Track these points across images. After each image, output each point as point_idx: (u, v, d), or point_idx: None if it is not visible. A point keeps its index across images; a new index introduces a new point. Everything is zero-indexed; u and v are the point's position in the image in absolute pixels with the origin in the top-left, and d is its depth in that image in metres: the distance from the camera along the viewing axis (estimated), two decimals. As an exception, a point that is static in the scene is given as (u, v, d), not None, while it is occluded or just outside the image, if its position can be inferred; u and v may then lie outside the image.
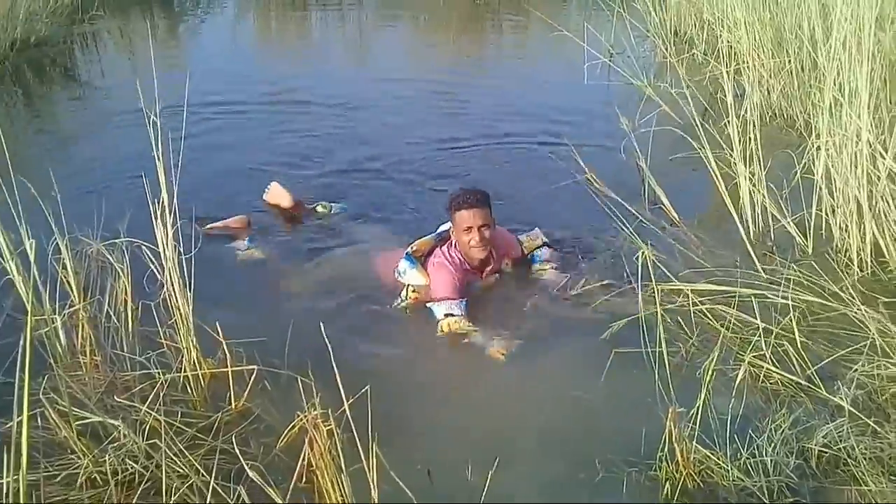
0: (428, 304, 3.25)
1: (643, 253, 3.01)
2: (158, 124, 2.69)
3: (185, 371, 2.65)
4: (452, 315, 3.15)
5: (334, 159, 4.94)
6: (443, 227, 3.49)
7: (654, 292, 2.86)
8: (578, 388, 2.80)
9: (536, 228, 3.67)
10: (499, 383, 2.91)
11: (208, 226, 3.92)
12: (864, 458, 2.32)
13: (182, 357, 2.69)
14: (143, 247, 2.91)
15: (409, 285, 3.33)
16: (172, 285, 2.70)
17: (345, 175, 4.69)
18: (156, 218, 2.73)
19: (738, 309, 3.08)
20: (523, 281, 3.50)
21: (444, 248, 3.39)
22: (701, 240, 3.74)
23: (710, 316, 3.10)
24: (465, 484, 2.36)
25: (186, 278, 2.73)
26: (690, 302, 3.12)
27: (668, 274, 3.29)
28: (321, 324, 2.28)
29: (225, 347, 2.64)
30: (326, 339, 2.23)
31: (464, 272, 3.34)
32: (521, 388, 2.88)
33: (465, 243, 3.29)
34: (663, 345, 2.80)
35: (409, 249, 3.39)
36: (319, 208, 4.14)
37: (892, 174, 3.41)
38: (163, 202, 2.71)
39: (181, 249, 2.78)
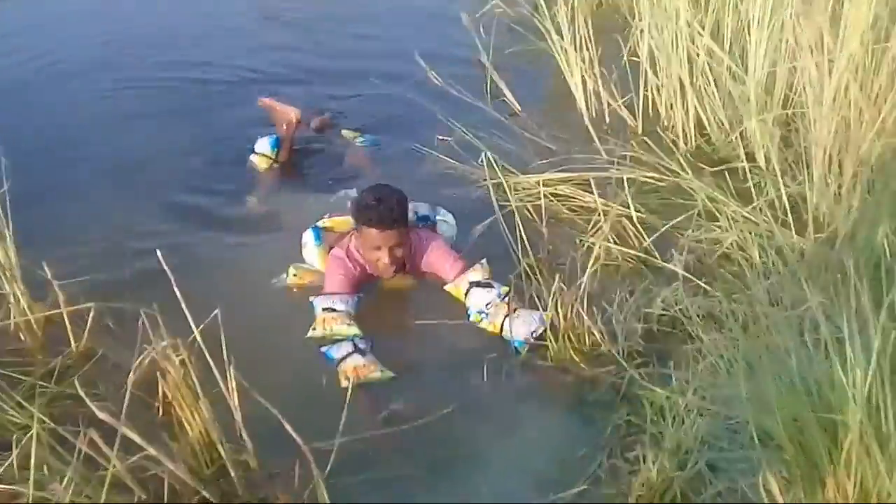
0: (311, 298, 2.75)
1: (485, 154, 3.12)
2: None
3: (13, 318, 2.45)
4: (333, 311, 2.67)
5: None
6: None
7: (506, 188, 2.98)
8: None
9: (483, 261, 2.85)
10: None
11: (264, 98, 3.74)
12: (698, 317, 2.50)
13: (9, 304, 2.48)
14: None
15: (290, 267, 2.88)
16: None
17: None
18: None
19: (582, 189, 3.22)
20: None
21: (352, 241, 2.86)
22: (543, 127, 3.81)
23: (556, 202, 3.21)
24: (324, 395, 2.37)
25: (3, 218, 2.50)
26: (542, 191, 3.19)
27: (512, 169, 3.33)
28: (158, 251, 2.15)
29: (56, 288, 2.46)
30: (166, 267, 2.12)
31: (365, 275, 2.86)
32: (381, 307, 2.86)
33: (371, 260, 2.78)
34: (523, 238, 2.87)
35: (320, 223, 2.99)
36: (344, 131, 3.84)
37: (710, 51, 3.57)
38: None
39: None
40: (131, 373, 2.27)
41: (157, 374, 2.17)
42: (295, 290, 2.86)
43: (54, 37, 5.24)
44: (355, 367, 2.46)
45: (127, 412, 2.11)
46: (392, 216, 2.69)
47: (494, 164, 3.09)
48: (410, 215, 2.90)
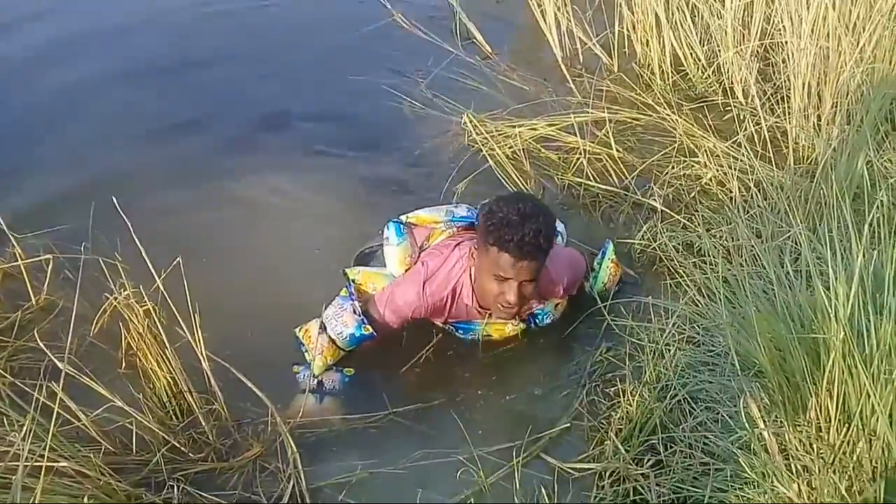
0: (341, 294, 2.28)
1: (466, 115, 3.14)
2: None
3: (-31, 273, 2.36)
4: (324, 330, 2.19)
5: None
6: (462, 212, 2.38)
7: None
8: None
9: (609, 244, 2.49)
10: (316, 240, 2.77)
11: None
12: (677, 251, 2.45)
13: (-38, 260, 2.39)
14: None
15: (346, 271, 2.36)
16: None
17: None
18: None
19: (561, 130, 3.15)
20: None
21: (452, 259, 2.24)
22: (516, 69, 3.71)
23: (534, 143, 3.14)
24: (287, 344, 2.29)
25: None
26: (520, 136, 3.12)
27: (487, 122, 3.23)
28: (114, 199, 2.07)
29: (13, 241, 2.37)
30: (123, 214, 2.04)
31: (449, 310, 2.27)
32: (340, 245, 2.72)
33: (488, 292, 2.12)
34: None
35: (404, 216, 2.37)
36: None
37: (687, -18, 3.48)
38: None
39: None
40: (93, 323, 2.24)
41: (121, 324, 2.10)
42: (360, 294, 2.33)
43: None
44: (298, 410, 2.12)
45: (91, 364, 2.07)
46: (537, 243, 2.01)
47: (473, 121, 3.11)
48: None
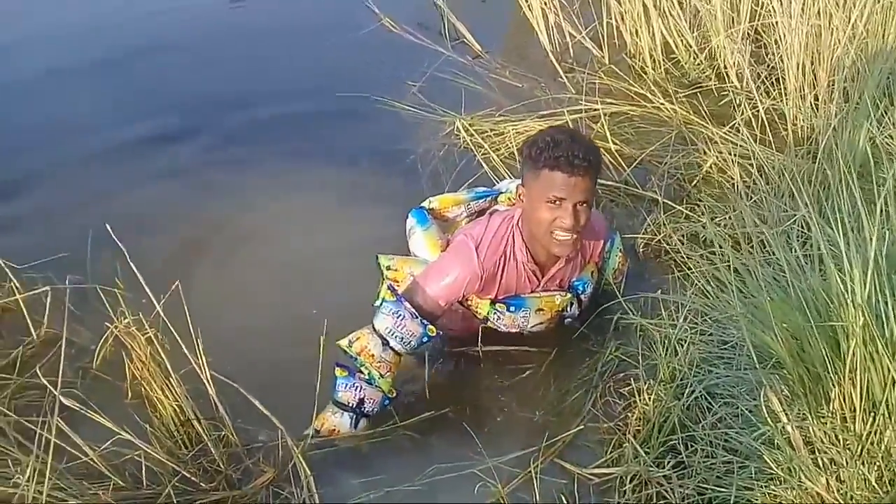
0: (384, 297, 2.21)
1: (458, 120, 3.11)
2: None
3: (-34, 312, 2.32)
4: (387, 345, 2.08)
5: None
6: (482, 190, 2.50)
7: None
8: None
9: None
10: (314, 251, 2.72)
11: None
12: (682, 243, 2.42)
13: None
14: None
15: (379, 257, 2.31)
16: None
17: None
18: None
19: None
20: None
21: (496, 219, 2.18)
22: (507, 66, 3.67)
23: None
24: (297, 360, 2.17)
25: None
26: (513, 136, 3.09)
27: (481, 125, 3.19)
28: (108, 226, 2.02)
29: (9, 274, 2.33)
30: (120, 244, 2.00)
31: (505, 278, 2.18)
32: (338, 256, 2.68)
33: (542, 222, 2.04)
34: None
35: (424, 203, 2.39)
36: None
37: (674, -31, 3.44)
38: None
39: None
40: (96, 354, 2.20)
41: (123, 353, 2.07)
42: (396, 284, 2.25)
43: None
44: (332, 429, 2.08)
45: (96, 397, 2.03)
46: (587, 158, 1.98)
47: (465, 125, 3.11)
48: None
